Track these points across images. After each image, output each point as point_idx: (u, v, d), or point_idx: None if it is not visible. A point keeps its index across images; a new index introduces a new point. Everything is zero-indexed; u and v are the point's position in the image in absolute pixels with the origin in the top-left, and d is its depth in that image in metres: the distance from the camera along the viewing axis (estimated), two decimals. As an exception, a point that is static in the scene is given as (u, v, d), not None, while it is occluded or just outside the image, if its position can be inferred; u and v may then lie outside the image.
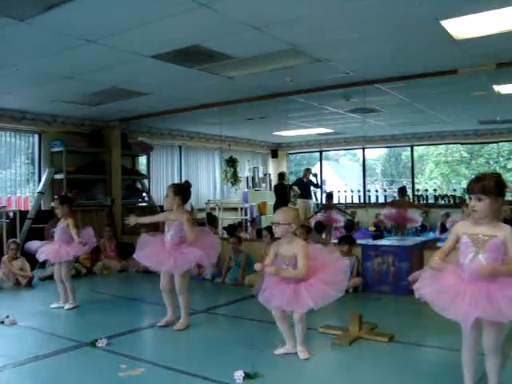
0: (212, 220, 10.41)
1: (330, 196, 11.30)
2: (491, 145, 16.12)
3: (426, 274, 3.23)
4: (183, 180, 12.78)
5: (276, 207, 10.30)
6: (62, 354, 4.30)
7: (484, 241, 2.99)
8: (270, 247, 4.33)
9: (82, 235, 6.05)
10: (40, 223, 8.88)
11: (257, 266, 4.11)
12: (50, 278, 7.63)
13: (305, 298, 3.96)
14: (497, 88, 7.35)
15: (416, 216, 10.04)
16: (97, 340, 4.49)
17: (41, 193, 9.58)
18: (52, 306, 6.11)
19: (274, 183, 14.15)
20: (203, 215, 11.94)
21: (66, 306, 6.04)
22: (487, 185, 2.98)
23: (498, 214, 3.02)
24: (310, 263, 4.07)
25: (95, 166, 10.47)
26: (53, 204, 9.55)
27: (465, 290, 3.00)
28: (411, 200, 13.27)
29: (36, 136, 9.89)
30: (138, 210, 11.13)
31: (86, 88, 7.43)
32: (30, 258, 7.24)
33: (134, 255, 5.28)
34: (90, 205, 10.15)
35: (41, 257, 6.14)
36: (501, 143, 14.66)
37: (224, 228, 10.13)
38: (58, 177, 9.79)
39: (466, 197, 3.16)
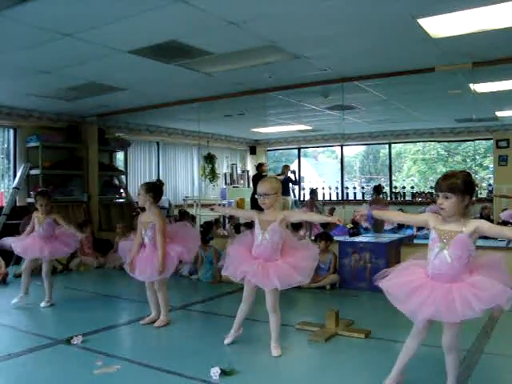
0: (183, 216, 10.39)
1: (313, 192, 11.29)
2: (468, 143, 16.26)
3: (393, 269, 3.25)
4: (160, 177, 12.76)
5: (253, 199, 10.23)
6: (35, 351, 4.25)
7: (450, 237, 2.99)
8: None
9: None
10: (15, 219, 8.74)
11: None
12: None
13: (271, 276, 3.94)
14: (473, 87, 7.42)
15: None
16: (72, 337, 4.44)
17: (16, 188, 9.45)
18: (41, 304, 5.93)
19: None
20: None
21: (43, 304, 5.93)
22: (454, 183, 2.97)
23: (466, 212, 3.02)
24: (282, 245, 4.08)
25: (72, 162, 10.35)
26: (29, 200, 9.49)
27: (425, 286, 3.02)
28: (388, 198, 13.45)
29: (11, 130, 9.75)
30: (115, 206, 11.11)
31: (62, 83, 7.33)
32: (5, 254, 7.14)
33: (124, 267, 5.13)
34: (66, 201, 10.04)
35: (28, 254, 5.90)
36: (477, 141, 14.81)
37: (201, 226, 10.10)
38: (33, 172, 9.69)
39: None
